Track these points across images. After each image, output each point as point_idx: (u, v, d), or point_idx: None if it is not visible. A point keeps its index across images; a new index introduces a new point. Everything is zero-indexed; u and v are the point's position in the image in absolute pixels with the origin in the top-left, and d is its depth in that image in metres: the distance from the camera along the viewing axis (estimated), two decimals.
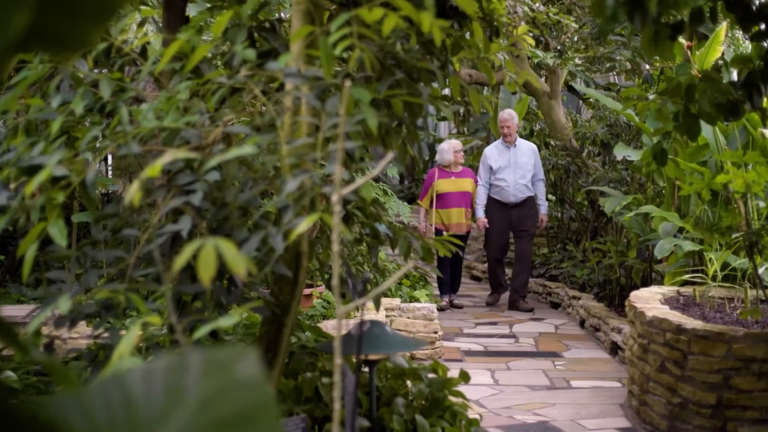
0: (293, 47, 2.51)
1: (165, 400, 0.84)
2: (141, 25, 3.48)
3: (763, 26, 3.41)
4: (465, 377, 3.07)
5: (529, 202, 7.86)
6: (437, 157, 7.83)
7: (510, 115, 7.98)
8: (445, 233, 7.27)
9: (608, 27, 2.14)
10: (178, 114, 2.37)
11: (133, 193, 1.75)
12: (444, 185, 7.68)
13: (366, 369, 2.89)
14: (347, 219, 2.94)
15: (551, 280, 8.52)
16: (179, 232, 2.13)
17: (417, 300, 6.13)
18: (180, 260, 1.53)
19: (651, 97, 3.79)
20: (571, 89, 10.00)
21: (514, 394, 5.01)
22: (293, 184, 1.95)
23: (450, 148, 7.76)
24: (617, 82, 11.41)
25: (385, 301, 5.72)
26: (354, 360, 3.08)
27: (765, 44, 3.59)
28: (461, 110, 13.39)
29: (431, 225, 7.63)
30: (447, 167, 7.74)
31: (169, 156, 1.75)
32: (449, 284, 7.94)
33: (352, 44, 2.41)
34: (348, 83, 1.84)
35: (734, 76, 3.81)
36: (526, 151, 7.87)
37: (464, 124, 14.05)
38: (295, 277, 2.58)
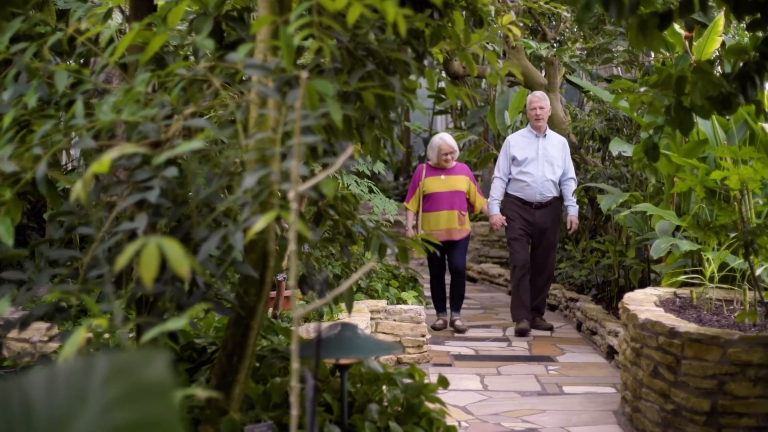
0: (258, 37, 2.52)
1: (67, 404, 0.85)
2: (108, 14, 3.48)
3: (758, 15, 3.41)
4: (443, 383, 3.07)
5: (554, 205, 7.06)
6: (428, 153, 7.22)
7: (543, 96, 7.14)
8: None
9: (584, 17, 2.14)
10: (138, 107, 2.38)
11: (78, 190, 1.75)
12: (432, 184, 7.00)
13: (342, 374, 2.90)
14: (319, 217, 2.95)
15: None
16: (136, 230, 2.14)
17: (404, 302, 6.14)
18: (121, 260, 1.53)
19: (642, 89, 3.79)
20: (569, 81, 10.01)
21: (504, 400, 5.02)
22: (251, 180, 1.95)
23: (435, 147, 7.04)
24: (621, 74, 11.43)
25: (370, 302, 5.73)
26: (326, 364, 3.09)
27: (761, 34, 3.60)
28: (459, 104, 13.39)
29: (419, 231, 6.92)
30: (437, 163, 7.10)
31: (116, 151, 1.75)
32: (449, 301, 7.20)
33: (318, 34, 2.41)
34: (304, 75, 1.85)
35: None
36: (557, 143, 7.12)
37: (462, 118, 14.06)
38: (261, 278, 2.59)
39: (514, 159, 6.99)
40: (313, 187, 2.06)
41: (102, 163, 1.82)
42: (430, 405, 3.01)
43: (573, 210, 7.12)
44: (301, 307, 2.45)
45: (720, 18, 5.28)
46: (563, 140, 7.22)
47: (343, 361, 2.70)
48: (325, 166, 2.82)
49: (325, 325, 2.74)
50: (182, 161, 2.48)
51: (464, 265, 7.13)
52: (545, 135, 7.08)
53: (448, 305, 7.22)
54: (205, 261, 2.18)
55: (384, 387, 3.02)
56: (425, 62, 3.14)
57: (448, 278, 7.21)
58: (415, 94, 2.99)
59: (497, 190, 7.04)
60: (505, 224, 7.00)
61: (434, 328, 6.99)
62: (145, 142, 2.31)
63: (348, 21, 2.09)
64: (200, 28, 2.72)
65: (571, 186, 7.08)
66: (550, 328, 7.06)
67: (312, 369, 3.00)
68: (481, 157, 10.88)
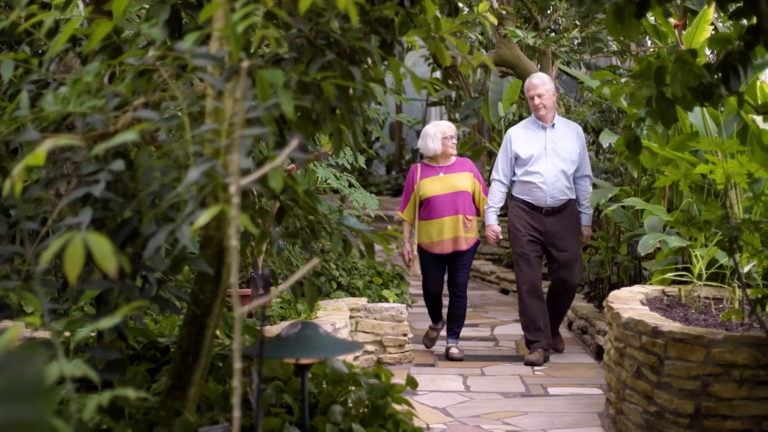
0: (215, 25, 2.51)
1: None
2: (69, 1, 3.47)
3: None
4: (412, 383, 3.09)
5: (570, 209, 6.03)
6: (419, 145, 6.26)
7: (541, 81, 6.07)
8: (433, 253, 6.10)
9: (545, 4, 2.14)
10: (90, 98, 2.38)
11: (11, 184, 1.75)
12: (429, 186, 6.06)
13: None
14: (282, 212, 2.95)
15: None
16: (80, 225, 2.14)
17: (386, 300, 6.14)
18: (45, 256, 1.54)
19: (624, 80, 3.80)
20: (564, 72, 10.02)
21: (485, 401, 5.03)
22: (195, 174, 1.96)
23: (437, 133, 6.08)
24: (618, 64, 11.43)
25: (350, 300, 5.73)
26: (292, 363, 3.09)
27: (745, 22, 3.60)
28: (453, 95, 13.40)
29: (414, 246, 6.11)
30: (433, 160, 6.16)
31: (50, 143, 1.75)
32: (445, 326, 6.37)
33: (279, 23, 2.41)
34: (245, 64, 1.86)
35: None
36: (568, 133, 6.05)
37: (456, 110, 14.05)
38: (217, 275, 2.59)
39: (517, 158, 5.98)
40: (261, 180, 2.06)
41: (36, 156, 1.82)
42: (397, 407, 3.02)
43: (585, 218, 6.14)
44: (256, 304, 2.45)
45: (710, 6, 5.28)
46: (577, 128, 6.19)
47: (303, 361, 2.71)
48: (292, 161, 2.83)
49: (284, 324, 2.75)
50: (134, 154, 2.48)
51: (466, 282, 6.29)
52: (553, 125, 6.02)
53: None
54: (152, 257, 2.19)
55: (353, 388, 3.03)
56: (395, 51, 3.14)
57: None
58: (383, 83, 2.99)
59: (495, 196, 6.07)
60: (500, 237, 6.14)
61: (426, 344, 6.40)
62: (93, 134, 2.32)
63: (300, 9, 2.09)
64: (155, 16, 2.71)
65: (586, 186, 6.08)
66: (560, 351, 6.29)
67: (285, 368, 3.01)
68: (473, 150, 10.88)
